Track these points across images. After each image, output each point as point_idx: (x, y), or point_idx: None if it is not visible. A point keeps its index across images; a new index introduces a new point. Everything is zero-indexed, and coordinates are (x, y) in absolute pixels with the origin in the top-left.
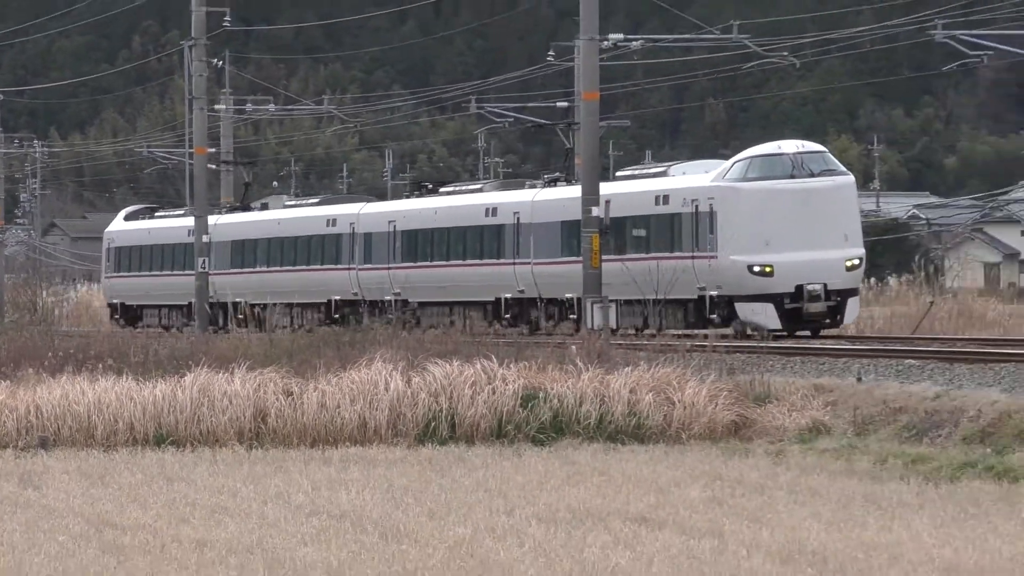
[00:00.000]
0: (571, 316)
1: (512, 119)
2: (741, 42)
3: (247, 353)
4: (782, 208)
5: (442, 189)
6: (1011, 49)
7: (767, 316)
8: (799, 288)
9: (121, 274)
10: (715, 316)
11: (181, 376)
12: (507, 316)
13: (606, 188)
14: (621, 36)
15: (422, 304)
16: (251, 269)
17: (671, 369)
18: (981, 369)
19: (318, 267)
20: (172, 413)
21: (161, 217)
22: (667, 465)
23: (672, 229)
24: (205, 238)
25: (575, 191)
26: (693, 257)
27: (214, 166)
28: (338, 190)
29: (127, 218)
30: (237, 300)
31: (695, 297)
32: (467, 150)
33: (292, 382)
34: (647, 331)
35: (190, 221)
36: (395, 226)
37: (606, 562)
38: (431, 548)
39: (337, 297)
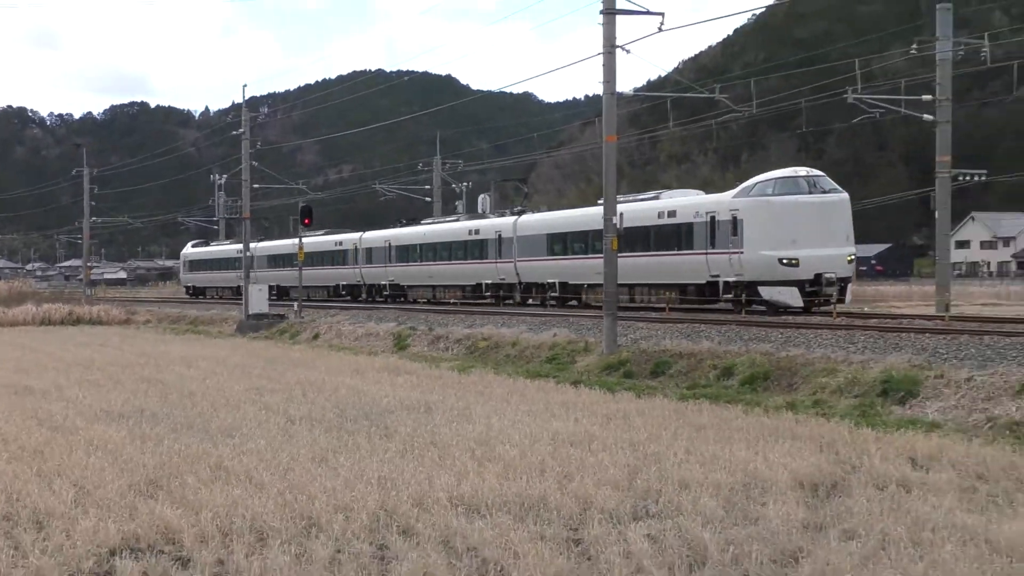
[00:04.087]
0: (552, 294)
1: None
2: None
3: None
4: (804, 216)
5: (424, 221)
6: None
7: (793, 296)
8: (818, 276)
9: (192, 273)
10: (730, 295)
11: None
12: (487, 294)
13: (628, 206)
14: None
15: (411, 287)
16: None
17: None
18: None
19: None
20: None
21: (210, 246)
22: None
23: (690, 234)
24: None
25: (554, 214)
26: (707, 253)
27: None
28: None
29: (193, 246)
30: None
31: (704, 282)
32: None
33: None
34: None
35: (220, 247)
36: (390, 243)
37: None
38: None
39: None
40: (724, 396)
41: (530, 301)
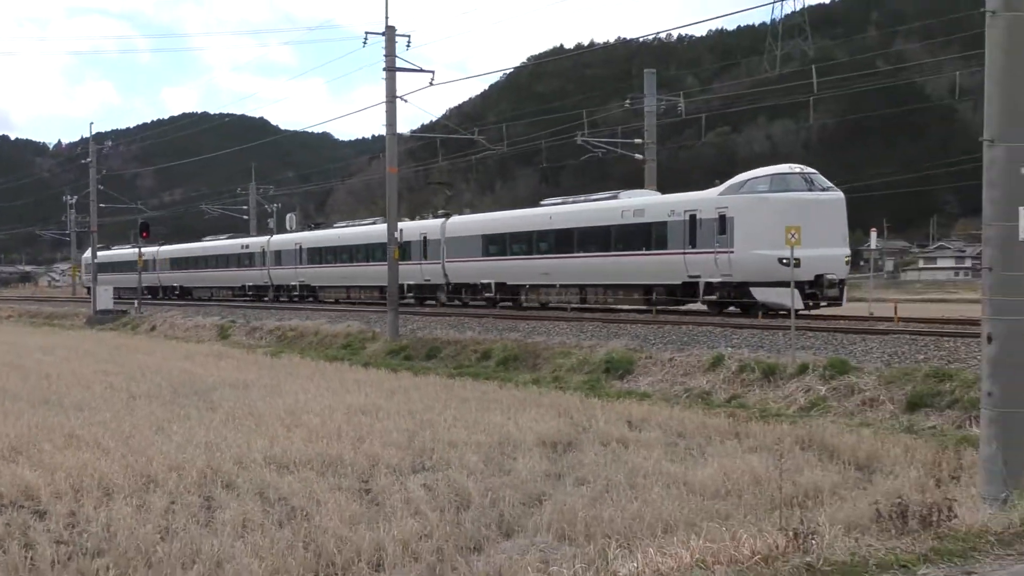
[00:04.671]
0: (486, 293)
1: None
2: None
3: None
4: (803, 213)
5: (337, 224)
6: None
7: (794, 299)
8: (819, 277)
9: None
10: (713, 296)
11: None
12: (410, 295)
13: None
14: None
15: (323, 287)
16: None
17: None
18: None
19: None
20: None
21: (111, 250)
22: None
23: (663, 233)
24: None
25: (488, 216)
26: (685, 253)
27: None
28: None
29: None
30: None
31: (679, 282)
32: None
33: None
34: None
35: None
36: (301, 246)
37: None
38: None
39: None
40: (483, 374)
41: (455, 302)
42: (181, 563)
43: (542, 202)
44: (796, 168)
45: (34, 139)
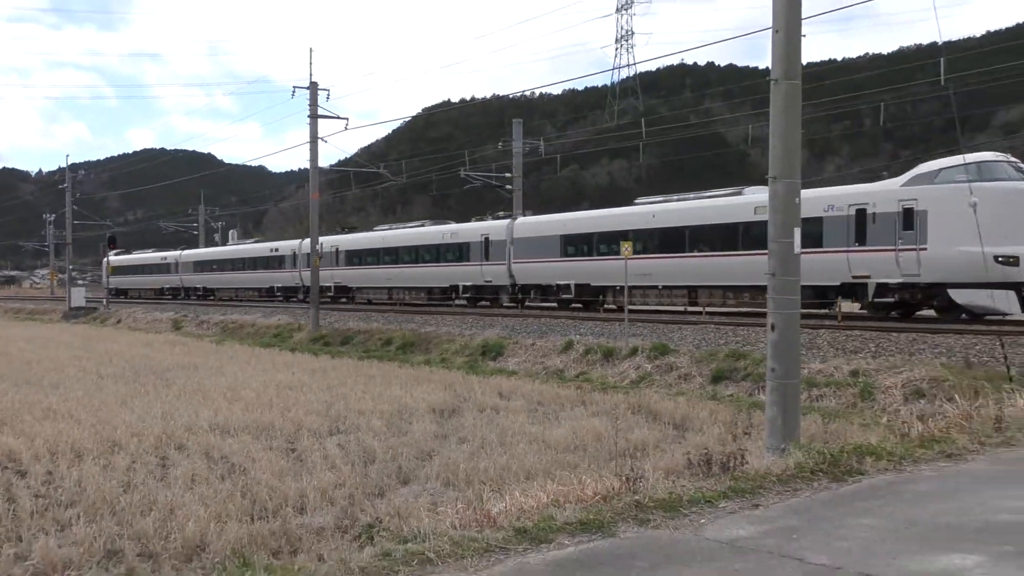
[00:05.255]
0: (563, 295)
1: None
2: None
3: None
4: (1018, 205)
5: (377, 228)
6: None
7: (1009, 302)
8: None
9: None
10: (891, 298)
11: None
12: (465, 296)
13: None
14: None
15: (361, 288)
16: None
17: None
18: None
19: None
20: None
21: (131, 255)
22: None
23: (818, 230)
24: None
25: (569, 215)
26: (848, 251)
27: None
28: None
29: (115, 255)
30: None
31: (839, 283)
32: None
33: None
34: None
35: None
36: (338, 248)
37: None
38: None
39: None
40: (386, 357)
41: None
42: (140, 511)
43: (636, 201)
44: (1001, 156)
45: (19, 167)
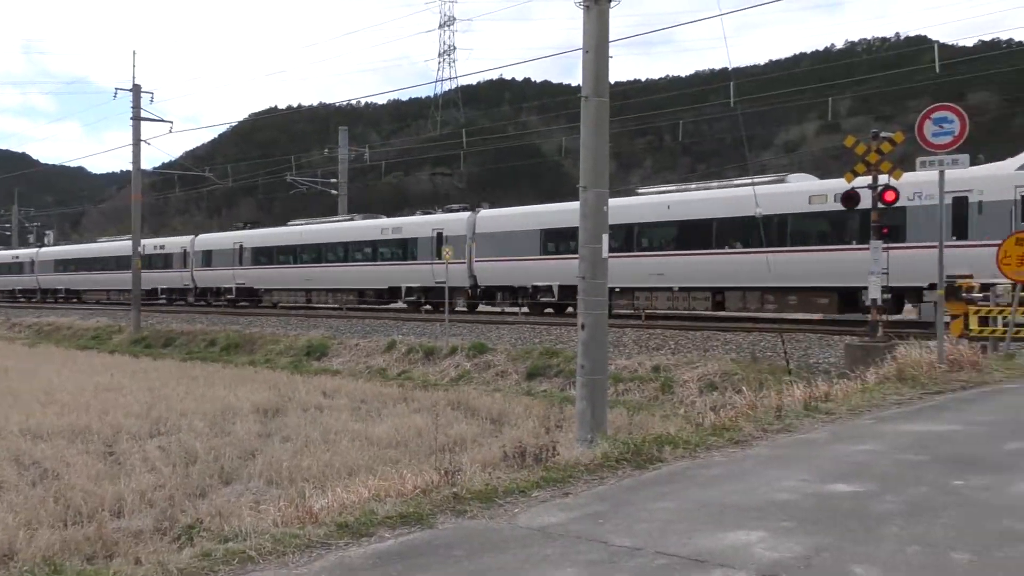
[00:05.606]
0: (542, 297)
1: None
2: None
3: None
4: None
5: (291, 222)
6: None
7: None
8: None
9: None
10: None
11: None
12: (409, 299)
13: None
14: None
15: (269, 290)
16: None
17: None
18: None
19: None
20: None
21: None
22: None
23: (902, 222)
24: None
25: (551, 206)
26: (954, 246)
27: None
28: None
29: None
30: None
31: (914, 285)
32: None
33: None
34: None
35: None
36: (241, 245)
37: None
38: None
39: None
40: (211, 357)
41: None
42: None
43: (639, 191)
44: None
45: None
